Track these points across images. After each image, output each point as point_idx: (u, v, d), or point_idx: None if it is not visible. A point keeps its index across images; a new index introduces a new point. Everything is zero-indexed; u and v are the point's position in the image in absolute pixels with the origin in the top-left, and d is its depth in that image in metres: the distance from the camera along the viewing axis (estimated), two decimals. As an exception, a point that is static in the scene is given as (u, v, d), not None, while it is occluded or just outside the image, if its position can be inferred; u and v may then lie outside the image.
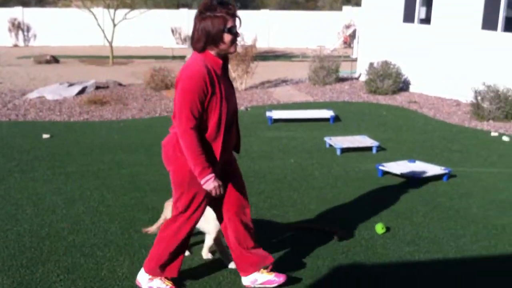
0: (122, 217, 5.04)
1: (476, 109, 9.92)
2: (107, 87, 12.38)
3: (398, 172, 6.33)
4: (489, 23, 10.95)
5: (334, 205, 5.48)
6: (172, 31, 23.77)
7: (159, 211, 5.16)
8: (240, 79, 12.60)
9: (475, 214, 5.32)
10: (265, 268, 3.78)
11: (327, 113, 9.52)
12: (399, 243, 4.62)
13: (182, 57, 19.03)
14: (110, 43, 17.86)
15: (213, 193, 3.41)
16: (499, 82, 10.04)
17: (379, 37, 13.63)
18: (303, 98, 11.85)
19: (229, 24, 3.32)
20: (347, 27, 23.72)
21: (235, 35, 3.37)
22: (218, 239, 4.10)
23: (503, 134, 8.74)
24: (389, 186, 6.12)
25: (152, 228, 4.49)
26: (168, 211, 4.27)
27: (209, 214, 3.97)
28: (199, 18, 3.33)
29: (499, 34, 10.79)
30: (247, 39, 12.67)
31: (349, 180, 6.30)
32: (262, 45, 23.27)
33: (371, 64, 12.53)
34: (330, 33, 24.19)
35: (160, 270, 3.66)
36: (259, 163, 6.86)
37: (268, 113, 9.44)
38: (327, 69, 13.39)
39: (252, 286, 3.77)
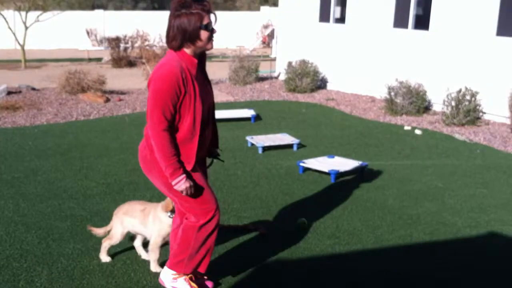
0: (38, 226, 4.85)
1: (390, 105, 10.32)
2: (20, 92, 11.87)
3: (318, 168, 6.48)
4: (400, 21, 11.42)
5: (257, 203, 5.53)
6: (88, 32, 23.12)
7: (77, 219, 5.02)
8: (159, 80, 12.42)
9: (391, 205, 5.54)
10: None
11: (248, 113, 9.59)
12: (320, 237, 4.73)
13: (98, 59, 18.56)
14: (22, 46, 17.14)
15: (184, 194, 3.36)
16: (411, 78, 10.49)
17: (296, 36, 13.89)
18: (224, 98, 11.88)
19: (205, 21, 3.27)
20: (265, 27, 23.99)
21: (211, 31, 3.33)
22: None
23: (416, 128, 9.14)
24: (310, 182, 6.25)
25: (99, 231, 4.32)
26: (115, 219, 4.16)
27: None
28: (174, 15, 3.26)
29: (410, 31, 11.27)
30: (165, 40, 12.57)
31: (271, 177, 6.37)
32: (182, 46, 23.12)
33: (290, 63, 12.75)
34: (249, 33, 24.38)
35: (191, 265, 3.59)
36: (181, 165, 6.80)
37: (189, 114, 9.37)
38: (247, 69, 13.49)
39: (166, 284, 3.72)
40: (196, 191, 3.41)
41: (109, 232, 4.22)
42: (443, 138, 8.55)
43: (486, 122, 9.67)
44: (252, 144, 7.75)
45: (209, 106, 3.49)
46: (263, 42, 22.69)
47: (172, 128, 3.29)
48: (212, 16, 3.31)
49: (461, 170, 6.85)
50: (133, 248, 4.34)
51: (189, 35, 3.26)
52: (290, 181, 6.26)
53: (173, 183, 3.31)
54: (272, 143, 7.60)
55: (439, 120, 9.73)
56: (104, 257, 4.20)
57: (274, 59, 15.39)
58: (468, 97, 9.39)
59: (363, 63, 12.26)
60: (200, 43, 3.31)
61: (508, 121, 9.18)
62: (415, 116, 10.13)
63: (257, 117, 9.64)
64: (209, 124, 3.51)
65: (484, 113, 9.83)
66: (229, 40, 23.47)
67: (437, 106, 10.44)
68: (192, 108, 3.30)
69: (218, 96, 12.12)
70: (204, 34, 3.28)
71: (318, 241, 4.64)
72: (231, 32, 24.45)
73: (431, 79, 10.55)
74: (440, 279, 4.06)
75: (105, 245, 4.19)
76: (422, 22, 11.15)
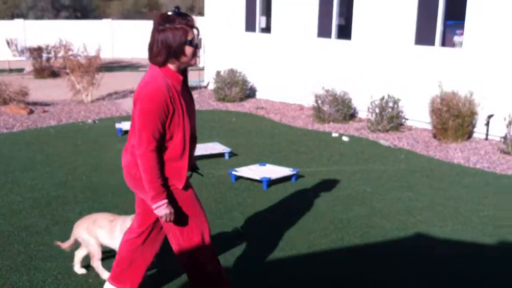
0: (-39, 245, 4.62)
1: (318, 113, 10.56)
2: None
3: (250, 176, 6.54)
4: (324, 31, 11.73)
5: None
6: (8, 42, 22.23)
7: (4, 234, 4.83)
8: (85, 91, 12.15)
9: (322, 211, 5.67)
10: None
11: (177, 122, 9.52)
12: (254, 244, 4.78)
13: (20, 70, 17.89)
14: None
15: (163, 219, 3.23)
16: (337, 86, 10.79)
17: (224, 46, 13.97)
18: (153, 108, 11.73)
19: (189, 36, 3.18)
20: (193, 36, 23.92)
21: (195, 47, 3.24)
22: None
23: (343, 135, 9.40)
24: (242, 190, 6.29)
25: (64, 245, 4.16)
26: (77, 231, 4.05)
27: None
28: (157, 30, 3.16)
29: (333, 41, 11.59)
30: (90, 49, 12.28)
31: (203, 186, 6.37)
32: (107, 55, 22.67)
33: (218, 73, 12.80)
34: (176, 43, 24.21)
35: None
36: (112, 177, 6.67)
37: (117, 125, 9.23)
38: (175, 79, 13.39)
39: None
40: (181, 216, 3.33)
41: (75, 244, 4.11)
42: (369, 144, 8.84)
43: (409, 128, 10.08)
44: (184, 154, 7.70)
45: (194, 121, 3.43)
46: (191, 52, 22.62)
47: (160, 147, 3.19)
48: (195, 31, 3.25)
49: (387, 174, 7.11)
50: (65, 261, 4.22)
51: (174, 50, 3.17)
52: (223, 190, 6.28)
53: (153, 206, 3.19)
54: (204, 152, 7.60)
55: (364, 127, 10.05)
56: (107, 274, 4.01)
57: (202, 69, 15.38)
58: (391, 104, 9.76)
59: (290, 72, 12.49)
60: (184, 58, 3.22)
61: (429, 127, 9.61)
62: (342, 123, 10.41)
63: (187, 127, 9.59)
64: (195, 139, 3.44)
65: (407, 119, 10.25)
66: (156, 49, 23.24)
67: (362, 113, 10.78)
68: (181, 125, 3.22)
69: (147, 106, 11.97)
70: (188, 49, 3.20)
71: (252, 248, 4.68)
72: (157, 41, 24.23)
73: (355, 87, 10.90)
74: (371, 281, 4.20)
75: (96, 264, 4.03)
76: (345, 32, 11.52)
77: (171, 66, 3.23)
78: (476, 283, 4.22)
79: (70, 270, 4.15)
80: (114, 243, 3.94)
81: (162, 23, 3.16)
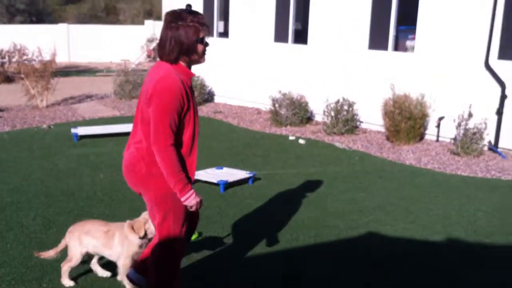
0: None
1: (275, 116, 10.69)
2: None
3: (207, 179, 6.59)
4: (280, 36, 11.89)
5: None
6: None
7: (-45, 242, 4.75)
8: (40, 96, 11.97)
9: (279, 212, 5.76)
10: None
11: (135, 127, 9.50)
12: (212, 245, 4.83)
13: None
14: None
15: (194, 209, 3.27)
16: (293, 90, 10.94)
17: (182, 50, 13.96)
18: (110, 113, 11.67)
19: (201, 34, 3.21)
20: (150, 41, 23.84)
21: (206, 45, 3.28)
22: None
23: (300, 138, 9.55)
24: (199, 193, 6.28)
25: (50, 253, 4.06)
26: (72, 239, 3.97)
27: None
28: (169, 27, 3.17)
29: (290, 46, 11.75)
30: (45, 54, 12.13)
31: (160, 191, 6.37)
32: (63, 59, 22.36)
33: (176, 77, 12.78)
34: (134, 47, 24.09)
35: None
36: (66, 182, 6.62)
37: (73, 130, 9.14)
38: (133, 83, 13.36)
39: None
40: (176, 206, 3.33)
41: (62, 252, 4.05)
42: (325, 147, 9.01)
43: (363, 130, 10.31)
44: (141, 158, 7.70)
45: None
46: (148, 56, 22.53)
47: (176, 142, 3.20)
48: (205, 29, 3.26)
49: (342, 176, 7.27)
50: (19, 267, 4.18)
51: (186, 48, 3.20)
52: (180, 194, 6.30)
53: (183, 198, 3.22)
54: (161, 157, 7.60)
55: (321, 130, 10.23)
56: (67, 282, 3.98)
57: (160, 73, 15.36)
58: (346, 107, 9.97)
59: (248, 76, 12.59)
60: (195, 56, 3.26)
61: (383, 129, 9.85)
62: (298, 126, 10.56)
63: (144, 131, 9.56)
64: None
65: (362, 122, 10.48)
66: (114, 54, 23.07)
67: (319, 116, 10.97)
68: (192, 121, 3.26)
69: (104, 111, 11.90)
70: (200, 47, 3.24)
71: (210, 249, 4.74)
72: (115, 46, 24.05)
73: (312, 90, 11.07)
74: (323, 278, 4.31)
75: (66, 269, 3.98)
76: (301, 37, 11.69)
77: (182, 63, 3.27)
78: (425, 279, 4.38)
79: (24, 276, 4.12)
80: (112, 253, 3.91)
81: (174, 20, 3.17)
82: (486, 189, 6.82)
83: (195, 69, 11.96)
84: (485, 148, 8.81)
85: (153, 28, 24.77)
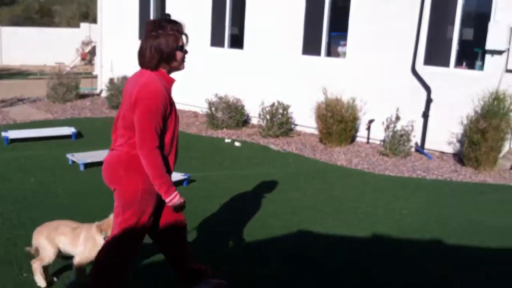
0: None
1: (211, 119, 10.77)
2: None
3: (141, 181, 6.58)
4: (217, 40, 11.98)
5: (80, 219, 5.46)
6: None
7: None
8: (-31, 99, 11.57)
9: (212, 214, 5.85)
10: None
11: (68, 130, 9.37)
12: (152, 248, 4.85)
13: None
14: None
15: (177, 210, 3.44)
16: (230, 93, 11.06)
17: (118, 53, 13.84)
18: (43, 116, 11.42)
19: (180, 42, 3.36)
20: (86, 43, 23.43)
21: (185, 52, 3.42)
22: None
23: (235, 140, 9.67)
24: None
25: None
26: (42, 238, 3.89)
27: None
28: (150, 36, 3.30)
29: (226, 50, 11.87)
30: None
31: (93, 194, 6.33)
32: (-6, 62, 21.64)
33: (112, 80, 12.67)
34: (70, 50, 23.59)
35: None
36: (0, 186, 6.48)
37: (3, 133, 8.90)
38: (67, 86, 13.11)
39: None
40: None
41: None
42: (260, 149, 9.16)
43: (298, 133, 10.54)
44: (74, 162, 7.61)
45: None
46: (83, 59, 22.13)
47: (159, 144, 3.31)
48: (184, 37, 3.43)
49: (277, 177, 7.43)
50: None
51: (166, 55, 3.33)
52: (113, 197, 6.26)
53: (167, 199, 3.35)
54: (95, 160, 7.53)
55: (256, 133, 10.38)
56: (40, 280, 3.89)
57: (96, 76, 15.13)
58: (280, 111, 10.17)
59: (185, 80, 12.56)
60: (175, 63, 3.41)
61: (316, 132, 10.10)
62: (235, 129, 10.68)
63: (78, 135, 9.45)
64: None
65: (296, 125, 10.71)
66: (48, 57, 22.50)
67: (255, 119, 11.13)
68: (173, 125, 3.38)
69: (36, 114, 11.63)
70: (179, 55, 3.40)
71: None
72: (50, 48, 23.46)
73: (248, 94, 11.21)
74: (256, 276, 4.42)
75: (36, 266, 3.89)
76: (238, 41, 11.84)
77: (162, 70, 3.40)
78: (350, 274, 4.56)
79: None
80: (76, 251, 3.88)
81: (155, 29, 3.33)
82: (412, 188, 7.15)
83: (131, 71, 11.61)
84: (412, 149, 9.21)
85: (89, 31, 24.33)
